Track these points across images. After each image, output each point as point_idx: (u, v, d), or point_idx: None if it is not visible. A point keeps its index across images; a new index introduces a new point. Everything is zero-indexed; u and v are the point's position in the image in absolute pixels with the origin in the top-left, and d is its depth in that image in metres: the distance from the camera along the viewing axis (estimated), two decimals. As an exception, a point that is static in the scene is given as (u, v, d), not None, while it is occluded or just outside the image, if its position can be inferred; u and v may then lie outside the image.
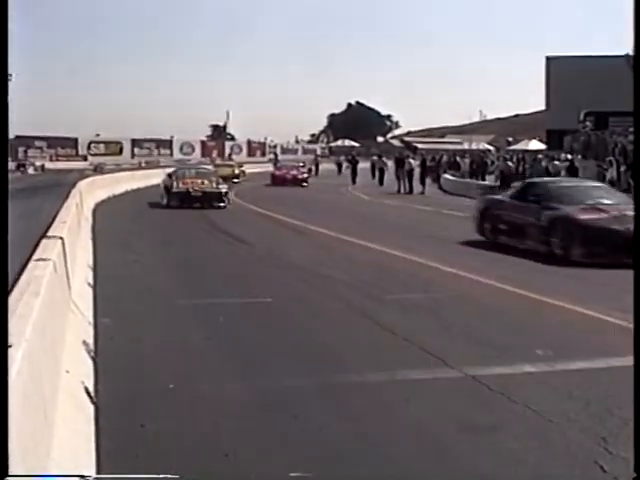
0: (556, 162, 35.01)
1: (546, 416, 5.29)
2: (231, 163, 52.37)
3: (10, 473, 2.80)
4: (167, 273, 11.98)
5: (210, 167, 34.55)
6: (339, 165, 60.03)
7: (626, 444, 4.72)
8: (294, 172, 44.07)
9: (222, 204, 25.04)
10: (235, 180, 42.19)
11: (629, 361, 6.69)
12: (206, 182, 25.86)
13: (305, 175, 44.43)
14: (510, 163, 35.21)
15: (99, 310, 8.34)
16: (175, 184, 25.39)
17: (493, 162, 47.91)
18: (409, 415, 5.45)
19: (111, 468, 4.23)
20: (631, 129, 33.52)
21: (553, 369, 6.49)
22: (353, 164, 47.75)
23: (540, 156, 41.20)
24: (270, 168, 52.08)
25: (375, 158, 49.96)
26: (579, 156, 35.66)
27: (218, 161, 60.12)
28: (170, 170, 28.76)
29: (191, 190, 25.12)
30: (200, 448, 4.74)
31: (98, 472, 4.10)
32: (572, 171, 32.64)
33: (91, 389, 5.44)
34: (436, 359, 6.75)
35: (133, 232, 17.58)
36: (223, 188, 25.89)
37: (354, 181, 44.55)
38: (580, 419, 5.25)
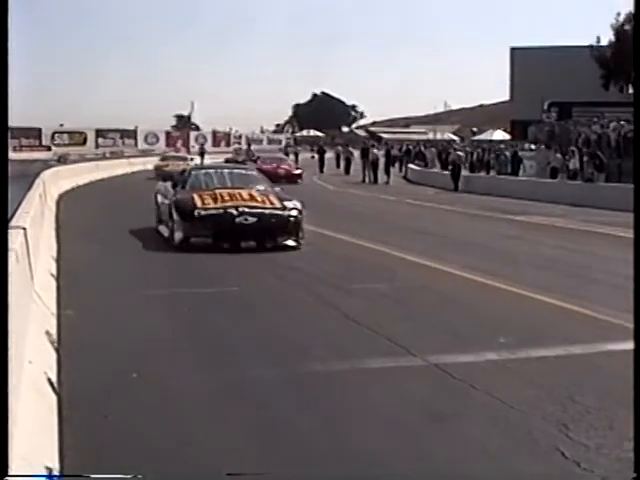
0: (506, 152, 35.96)
1: (508, 403, 5.34)
2: (185, 156, 44.63)
3: (10, 473, 2.79)
4: (132, 264, 11.90)
5: (252, 169, 18.96)
6: (296, 155, 60.73)
7: (587, 431, 4.81)
8: (285, 166, 35.79)
9: (292, 243, 13.23)
10: None
11: (592, 348, 6.86)
12: (257, 195, 14.02)
13: (300, 170, 36.81)
14: (460, 153, 35.73)
15: (62, 301, 8.28)
16: (198, 200, 13.44)
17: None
18: (373, 404, 5.47)
19: (74, 460, 4.21)
20: (595, 119, 33.98)
21: (516, 356, 6.55)
22: (321, 154, 48.14)
23: (502, 146, 41.73)
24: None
25: (340, 148, 50.38)
26: (542, 146, 36.05)
27: (169, 153, 50.56)
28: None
29: (236, 213, 13.18)
30: (164, 438, 4.72)
31: (61, 463, 4.08)
32: (515, 161, 33.49)
33: (54, 380, 5.40)
34: (400, 348, 6.79)
35: (97, 222, 17.40)
36: (293, 209, 13.77)
37: (321, 170, 44.81)
38: (542, 406, 5.30)
